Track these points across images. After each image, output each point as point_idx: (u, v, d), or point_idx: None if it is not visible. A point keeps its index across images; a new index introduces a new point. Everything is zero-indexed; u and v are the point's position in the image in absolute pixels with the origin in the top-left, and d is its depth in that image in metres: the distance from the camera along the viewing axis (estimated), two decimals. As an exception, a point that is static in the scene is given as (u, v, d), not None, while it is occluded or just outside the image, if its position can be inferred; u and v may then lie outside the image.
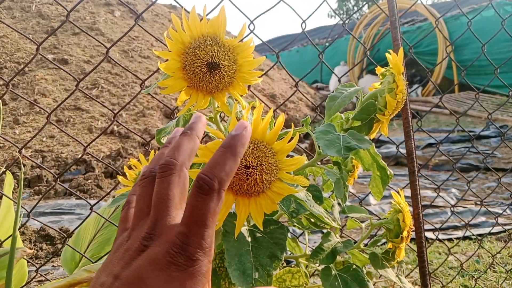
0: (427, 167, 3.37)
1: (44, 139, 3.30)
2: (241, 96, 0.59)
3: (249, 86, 1.09)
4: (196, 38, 0.54)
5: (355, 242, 0.76)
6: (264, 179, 0.49)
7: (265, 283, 0.53)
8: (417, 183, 0.71)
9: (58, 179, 0.95)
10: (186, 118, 0.63)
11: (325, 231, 0.78)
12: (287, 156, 0.52)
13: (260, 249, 0.56)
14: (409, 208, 0.78)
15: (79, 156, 3.13)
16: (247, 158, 0.48)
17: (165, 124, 0.68)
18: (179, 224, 0.33)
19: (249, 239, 0.57)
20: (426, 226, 2.28)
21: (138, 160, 0.79)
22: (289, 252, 0.90)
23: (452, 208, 1.35)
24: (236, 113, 0.61)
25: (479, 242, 1.63)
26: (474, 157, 3.54)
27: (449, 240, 2.13)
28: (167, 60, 0.55)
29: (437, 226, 2.22)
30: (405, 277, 1.53)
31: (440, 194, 2.80)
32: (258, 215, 0.51)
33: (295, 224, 0.81)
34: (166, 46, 0.55)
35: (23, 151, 3.13)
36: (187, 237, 0.32)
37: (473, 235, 2.06)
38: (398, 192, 0.73)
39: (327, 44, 10.99)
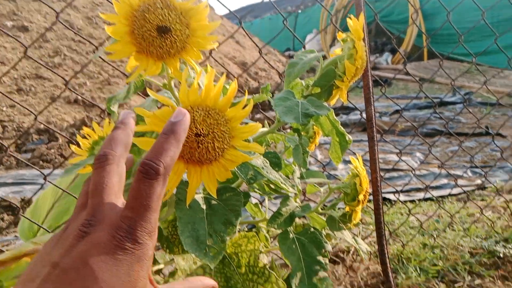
0: (393, 133, 3.45)
1: (4, 108, 3.17)
2: (197, 62, 0.57)
3: (211, 52, 1.06)
4: (145, 0, 0.51)
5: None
6: (216, 147, 0.48)
7: (219, 249, 0.53)
8: (376, 148, 0.72)
9: (18, 151, 0.91)
10: (137, 84, 0.61)
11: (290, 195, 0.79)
12: (242, 123, 0.51)
13: (215, 216, 0.56)
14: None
15: (42, 126, 3.04)
16: (198, 126, 0.47)
17: (118, 91, 0.66)
18: (123, 208, 0.33)
19: (204, 206, 0.57)
20: (390, 189, 2.36)
21: (93, 129, 0.76)
22: (251, 218, 0.91)
23: (413, 172, 1.39)
24: (188, 80, 0.59)
25: (439, 203, 1.69)
26: (439, 122, 3.64)
27: (412, 201, 2.21)
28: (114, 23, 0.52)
29: (401, 188, 2.29)
30: (368, 236, 1.59)
31: (405, 158, 2.88)
32: (211, 183, 0.51)
33: (256, 189, 0.81)
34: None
35: (-18, 121, 3.00)
36: (133, 221, 0.32)
37: (434, 196, 2.14)
38: (356, 158, 0.73)
39: (299, 11, 10.84)
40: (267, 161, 0.64)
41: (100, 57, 0.86)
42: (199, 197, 0.58)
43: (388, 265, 0.71)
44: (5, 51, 3.78)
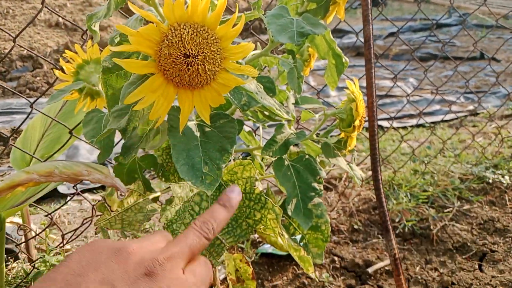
0: (387, 57, 3.37)
1: (-18, 33, 3.01)
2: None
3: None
4: None
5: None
6: (207, 69, 0.45)
7: (215, 176, 0.52)
8: (373, 71, 0.69)
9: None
10: (117, 0, 0.55)
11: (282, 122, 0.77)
12: (233, 43, 0.47)
13: (209, 143, 0.54)
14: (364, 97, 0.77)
15: (24, 52, 2.91)
16: (186, 45, 0.43)
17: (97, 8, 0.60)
18: (190, 273, 0.38)
19: (198, 133, 0.55)
20: (383, 115, 2.36)
21: (76, 53, 0.71)
22: (245, 146, 0.90)
23: (407, 97, 1.37)
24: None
25: (430, 129, 1.70)
26: (434, 46, 3.56)
27: (404, 128, 2.22)
28: None
29: (393, 115, 2.29)
30: (359, 163, 1.61)
31: (398, 83, 2.85)
32: (203, 109, 0.48)
33: (250, 117, 0.79)
34: None
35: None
36: None
37: (425, 122, 2.15)
38: (353, 82, 0.70)
39: None
40: (261, 86, 0.60)
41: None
42: (192, 124, 0.56)
43: (382, 190, 0.72)
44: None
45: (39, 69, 2.76)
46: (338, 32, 4.04)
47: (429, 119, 2.28)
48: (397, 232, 1.35)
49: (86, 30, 0.80)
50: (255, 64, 0.77)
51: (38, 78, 2.59)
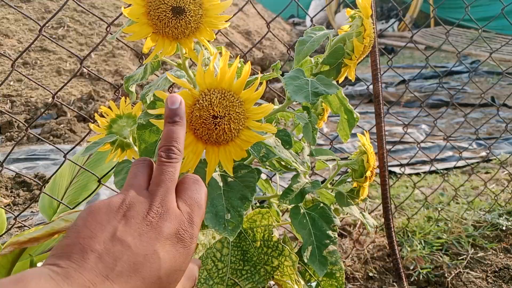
0: (399, 104, 3.44)
1: (11, 83, 3.19)
2: (208, 41, 0.59)
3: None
4: (159, -18, 0.52)
5: (325, 181, 0.80)
6: (232, 128, 0.50)
7: (237, 223, 0.56)
8: (383, 124, 0.74)
9: (28, 128, 0.94)
10: (153, 65, 0.62)
11: (298, 172, 0.81)
12: (255, 104, 0.53)
13: (232, 192, 0.59)
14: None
15: (49, 100, 3.05)
16: (215, 108, 0.48)
17: (135, 70, 0.67)
18: (182, 203, 0.39)
19: (221, 183, 0.60)
20: (396, 162, 2.38)
21: (109, 107, 0.78)
22: (261, 194, 0.94)
23: (418, 145, 1.41)
24: (203, 59, 0.60)
25: (443, 176, 1.72)
26: (445, 92, 3.62)
27: (417, 174, 2.24)
28: (130, 4, 0.53)
29: (406, 161, 2.31)
30: (373, 210, 1.63)
31: (411, 130, 2.89)
32: (227, 162, 0.53)
33: (267, 166, 0.84)
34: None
35: (-10, 96, 3.02)
36: (192, 217, 0.38)
37: (437, 169, 2.16)
38: (364, 134, 0.75)
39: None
40: (279, 139, 0.66)
41: (105, 22, 0.87)
42: (216, 175, 0.61)
43: (394, 238, 0.74)
44: (8, 23, 3.76)
45: (63, 117, 2.89)
46: (351, 80, 4.14)
47: (442, 165, 2.30)
48: (411, 279, 1.34)
49: (121, 86, 0.88)
50: (273, 118, 0.83)
51: (62, 125, 2.71)
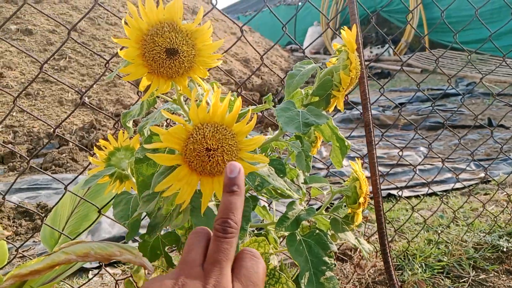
0: (396, 127, 3.47)
1: (14, 113, 3.24)
2: (202, 78, 0.61)
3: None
4: (153, 25, 0.55)
5: (320, 207, 0.82)
6: (225, 160, 0.52)
7: (232, 253, 0.57)
8: (375, 152, 0.76)
9: (30, 160, 0.96)
10: (149, 102, 0.65)
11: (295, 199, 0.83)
12: (247, 136, 0.55)
13: (227, 222, 0.60)
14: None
15: (52, 130, 3.09)
16: (208, 141, 0.51)
17: (135, 102, 0.70)
18: (238, 284, 0.38)
19: (216, 213, 0.61)
20: (395, 184, 2.39)
21: (107, 140, 0.81)
22: (260, 220, 0.95)
23: (414, 169, 1.43)
24: (197, 95, 0.63)
25: (441, 198, 1.73)
26: (443, 115, 3.66)
27: (417, 197, 2.24)
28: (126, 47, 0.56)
29: (405, 184, 2.32)
30: (373, 234, 1.63)
31: (409, 153, 2.91)
32: (222, 193, 0.55)
33: (263, 194, 0.86)
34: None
35: (-7, 127, 3.06)
36: None
37: (437, 192, 2.17)
38: (358, 160, 0.77)
39: (300, 4, 10.81)
40: (272, 168, 0.68)
41: (104, 58, 0.90)
42: (211, 205, 0.63)
43: (391, 264, 0.76)
44: (11, 56, 3.84)
45: (65, 146, 2.92)
46: (348, 104, 4.20)
47: (441, 187, 2.31)
48: (414, 304, 1.34)
49: (113, 112, 0.90)
50: (267, 147, 0.86)
51: (64, 154, 2.74)
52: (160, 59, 0.55)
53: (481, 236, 1.64)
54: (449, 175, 2.47)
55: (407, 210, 2.01)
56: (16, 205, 2.24)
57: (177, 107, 0.68)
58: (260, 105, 0.73)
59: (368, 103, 0.77)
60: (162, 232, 0.82)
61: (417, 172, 1.46)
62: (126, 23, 0.55)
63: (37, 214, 2.13)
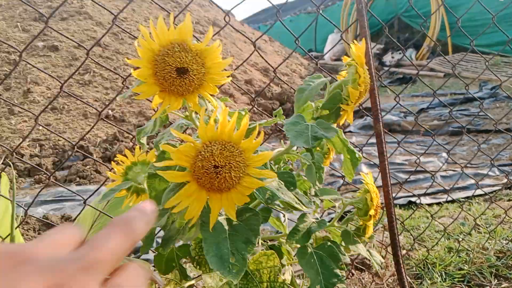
0: (418, 133, 3.42)
1: (40, 127, 3.34)
2: (212, 95, 0.63)
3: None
4: (164, 46, 0.58)
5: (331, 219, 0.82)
6: (233, 176, 0.54)
7: (241, 266, 0.59)
8: (386, 163, 0.76)
9: (54, 173, 1.00)
10: (162, 119, 0.67)
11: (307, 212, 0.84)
12: (255, 152, 0.57)
13: (236, 236, 0.62)
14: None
15: (75, 143, 3.19)
16: (216, 158, 0.53)
17: (146, 123, 0.73)
18: None
19: (226, 227, 0.63)
20: (416, 191, 2.36)
21: (125, 155, 0.83)
22: (274, 232, 0.96)
23: (433, 177, 1.41)
24: (207, 112, 0.65)
25: (461, 206, 1.70)
26: (465, 119, 3.59)
27: (438, 204, 2.21)
28: (139, 67, 0.59)
29: (428, 191, 2.29)
30: (389, 245, 1.61)
31: (431, 159, 2.87)
32: (230, 208, 0.57)
33: (276, 206, 0.87)
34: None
35: (20, 140, 3.18)
36: None
37: (457, 199, 2.13)
38: (369, 173, 0.78)
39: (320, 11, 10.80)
40: (282, 182, 0.69)
41: (122, 76, 0.93)
42: (222, 219, 0.64)
43: (404, 274, 0.75)
44: (38, 71, 3.98)
45: (89, 158, 3.00)
46: (369, 110, 4.17)
47: (464, 193, 2.27)
48: (435, 314, 1.32)
49: (135, 124, 0.93)
50: (280, 159, 0.87)
51: (88, 166, 2.81)
52: (171, 78, 0.58)
53: (504, 244, 1.60)
54: (472, 181, 2.42)
55: (427, 218, 1.98)
56: (41, 217, 2.31)
57: (189, 123, 0.71)
58: (270, 119, 0.74)
59: (380, 114, 0.78)
60: (177, 245, 0.84)
61: (438, 178, 1.44)
62: (138, 44, 0.57)
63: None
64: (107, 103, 3.78)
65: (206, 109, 0.64)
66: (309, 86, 0.71)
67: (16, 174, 2.86)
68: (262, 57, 0.98)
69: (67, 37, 0.89)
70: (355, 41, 0.70)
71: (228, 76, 0.62)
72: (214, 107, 0.64)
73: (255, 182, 0.56)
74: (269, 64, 1.04)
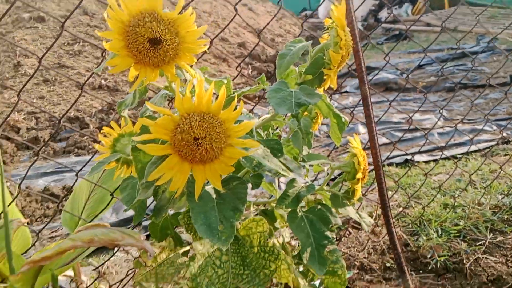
0: (415, 90, 3.39)
1: (34, 100, 3.32)
2: (190, 65, 0.62)
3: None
4: (134, 16, 0.56)
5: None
6: (214, 147, 0.54)
7: (230, 233, 0.59)
8: (373, 125, 0.76)
9: (49, 141, 0.99)
10: (141, 91, 0.66)
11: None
12: (236, 122, 0.56)
13: (224, 204, 0.62)
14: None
15: (72, 114, 3.17)
16: (195, 130, 0.52)
17: (126, 96, 0.72)
18: None
19: (214, 196, 0.63)
20: (412, 149, 2.36)
21: (111, 128, 0.83)
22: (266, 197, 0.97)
23: (426, 135, 1.41)
24: (187, 83, 0.63)
25: (455, 162, 1.71)
26: (462, 75, 3.55)
27: (435, 161, 2.22)
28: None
29: (424, 148, 2.29)
30: (389, 198, 1.63)
31: (428, 116, 2.85)
32: (214, 179, 0.57)
33: (267, 172, 0.87)
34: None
35: (16, 114, 3.16)
36: None
37: (453, 155, 2.13)
38: (357, 136, 0.77)
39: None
40: (268, 149, 0.68)
41: (102, 55, 0.91)
42: (209, 188, 0.64)
43: (394, 234, 0.77)
44: (26, 44, 3.91)
45: (86, 129, 2.99)
46: (366, 69, 4.11)
47: (461, 149, 2.27)
48: (429, 268, 1.35)
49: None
50: (269, 126, 0.86)
51: (85, 137, 2.81)
52: (144, 49, 0.56)
53: (499, 198, 1.62)
54: (468, 137, 2.42)
55: (424, 176, 1.99)
56: (42, 189, 2.33)
57: (171, 94, 0.69)
58: (253, 87, 0.73)
59: (365, 76, 0.76)
60: (171, 213, 0.85)
61: (435, 135, 1.44)
62: (108, 15, 0.55)
63: (63, 196, 2.21)
64: (99, 73, 3.72)
65: (184, 80, 0.63)
66: (290, 51, 0.69)
67: (15, 147, 2.87)
68: (244, 20, 0.95)
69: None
70: (335, 2, 0.68)
71: (205, 44, 0.60)
72: (193, 77, 0.63)
73: (238, 152, 0.56)
74: (251, 26, 1.01)
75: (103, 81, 3.54)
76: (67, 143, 2.90)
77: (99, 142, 0.83)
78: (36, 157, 2.75)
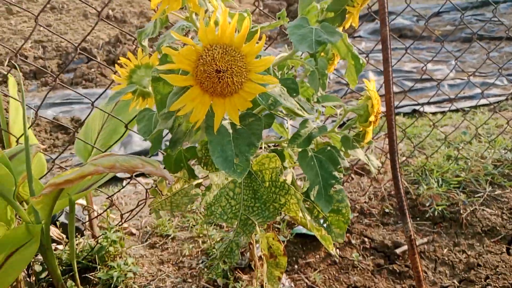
0: (429, 39, 3.31)
1: (41, 28, 3.26)
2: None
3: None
4: None
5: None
6: (235, 81, 0.54)
7: (245, 167, 0.62)
8: (390, 70, 0.76)
9: (59, 76, 1.00)
10: (162, 20, 0.65)
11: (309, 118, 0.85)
12: (257, 57, 0.56)
13: (240, 139, 0.64)
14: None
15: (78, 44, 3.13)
16: (217, 63, 0.53)
17: (146, 24, 0.71)
18: None
19: (230, 131, 0.65)
20: (421, 100, 2.36)
21: (128, 59, 0.83)
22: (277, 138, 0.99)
23: (438, 85, 1.40)
24: (207, 13, 0.63)
25: (463, 115, 1.71)
26: (479, 25, 3.44)
27: (442, 113, 2.22)
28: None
29: (433, 99, 2.29)
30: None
31: (440, 66, 2.81)
32: (233, 113, 0.58)
33: (279, 112, 0.88)
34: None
35: (23, 42, 3.11)
36: None
37: (463, 107, 2.13)
38: (372, 79, 0.77)
39: None
40: (285, 88, 0.69)
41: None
42: (226, 123, 0.66)
43: (399, 178, 0.79)
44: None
45: (93, 61, 2.97)
46: (377, 13, 3.98)
47: (469, 103, 2.26)
48: (427, 215, 1.40)
49: (137, 25, 0.91)
50: (284, 65, 0.86)
51: (92, 69, 2.80)
52: (168, -22, 0.55)
53: (502, 153, 1.65)
54: (478, 90, 2.40)
55: (430, 126, 2.00)
56: (51, 120, 2.37)
57: (190, 25, 0.69)
58: (273, 22, 0.72)
59: (386, 17, 0.75)
60: (185, 147, 0.88)
61: (445, 87, 1.43)
62: None
63: (72, 127, 2.25)
64: (106, 2, 3.62)
65: (206, 10, 0.62)
66: (315, -14, 0.67)
67: (22, 76, 2.86)
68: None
69: None
70: None
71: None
72: (215, 8, 0.62)
73: (257, 87, 0.57)
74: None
75: (110, 11, 3.46)
76: (75, 74, 2.89)
77: (106, 76, 0.84)
78: (48, 87, 2.76)
